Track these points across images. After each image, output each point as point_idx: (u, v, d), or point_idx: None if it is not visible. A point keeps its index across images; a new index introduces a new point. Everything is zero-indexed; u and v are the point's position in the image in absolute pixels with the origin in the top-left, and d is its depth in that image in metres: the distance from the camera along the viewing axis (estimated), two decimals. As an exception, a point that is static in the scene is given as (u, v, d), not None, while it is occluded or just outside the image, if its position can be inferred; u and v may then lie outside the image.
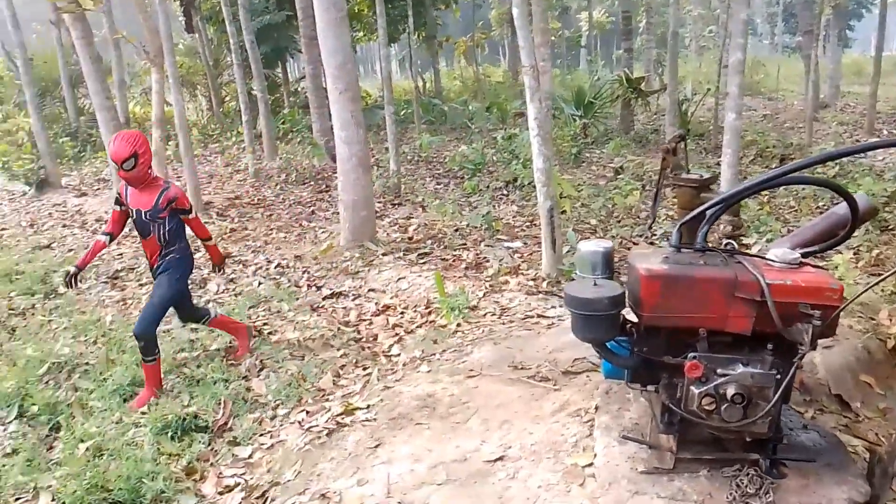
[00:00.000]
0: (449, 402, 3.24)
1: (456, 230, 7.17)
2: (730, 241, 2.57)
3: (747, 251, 2.61)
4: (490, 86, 21.16)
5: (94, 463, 3.43)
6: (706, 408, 2.29)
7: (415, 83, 16.47)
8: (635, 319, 2.43)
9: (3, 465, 3.49)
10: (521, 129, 10.79)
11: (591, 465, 2.58)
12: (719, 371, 2.30)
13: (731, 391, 2.26)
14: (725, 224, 2.92)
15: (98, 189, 11.03)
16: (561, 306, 4.63)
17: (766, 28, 42.77)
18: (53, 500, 3.22)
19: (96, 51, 9.32)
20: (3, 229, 8.98)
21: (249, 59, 12.21)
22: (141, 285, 6.41)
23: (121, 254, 7.41)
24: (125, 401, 4.14)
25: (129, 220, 4.26)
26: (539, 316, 4.44)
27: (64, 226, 8.92)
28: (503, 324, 4.38)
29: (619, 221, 7.26)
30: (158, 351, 4.19)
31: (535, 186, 7.57)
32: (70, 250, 7.70)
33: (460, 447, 2.84)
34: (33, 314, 5.75)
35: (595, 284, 2.37)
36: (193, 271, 4.73)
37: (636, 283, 2.30)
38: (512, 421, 2.98)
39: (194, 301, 4.80)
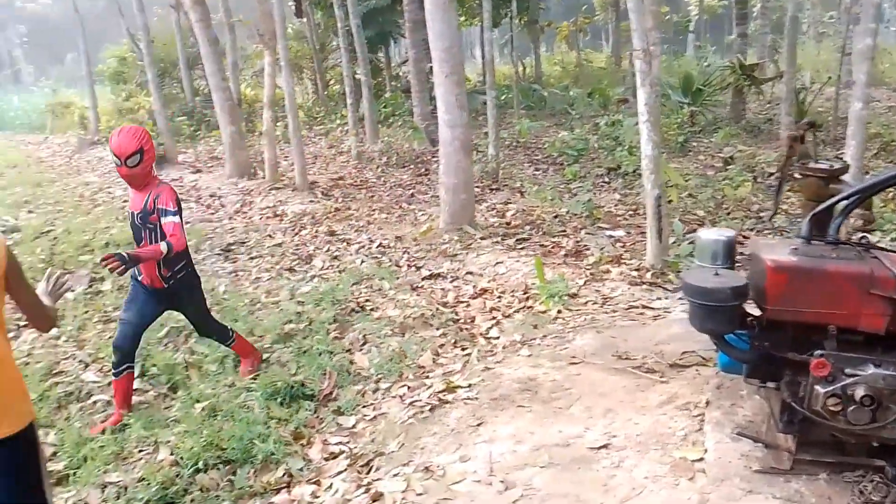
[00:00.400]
0: (551, 387, 3.23)
1: (555, 217, 7.10)
2: (864, 235, 2.42)
3: (882, 246, 2.45)
4: (591, 71, 20.71)
5: (209, 422, 3.65)
6: (831, 409, 2.17)
7: (515, 68, 16.33)
8: (757, 312, 2.34)
9: (128, 419, 3.75)
10: (625, 116, 10.51)
11: (700, 459, 2.51)
12: (847, 371, 2.18)
13: (859, 393, 2.14)
14: (856, 217, 2.75)
15: (212, 166, 11.61)
16: (666, 298, 4.51)
17: (893, 14, 39.64)
18: (172, 454, 3.43)
19: (214, 34, 9.80)
20: (125, 201, 9.62)
21: (355, 43, 12.47)
22: (251, 258, 6.72)
23: (233, 228, 7.79)
24: (236, 366, 4.37)
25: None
26: (644, 307, 4.34)
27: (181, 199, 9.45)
28: (605, 313, 4.31)
29: (728, 213, 6.97)
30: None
31: (638, 174, 7.37)
32: (186, 222, 8.14)
33: (563, 432, 2.83)
34: (154, 281, 6.14)
35: (717, 274, 2.29)
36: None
37: (762, 275, 2.21)
38: (616, 410, 2.94)
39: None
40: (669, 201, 6.37)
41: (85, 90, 16.87)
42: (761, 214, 6.84)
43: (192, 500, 3.05)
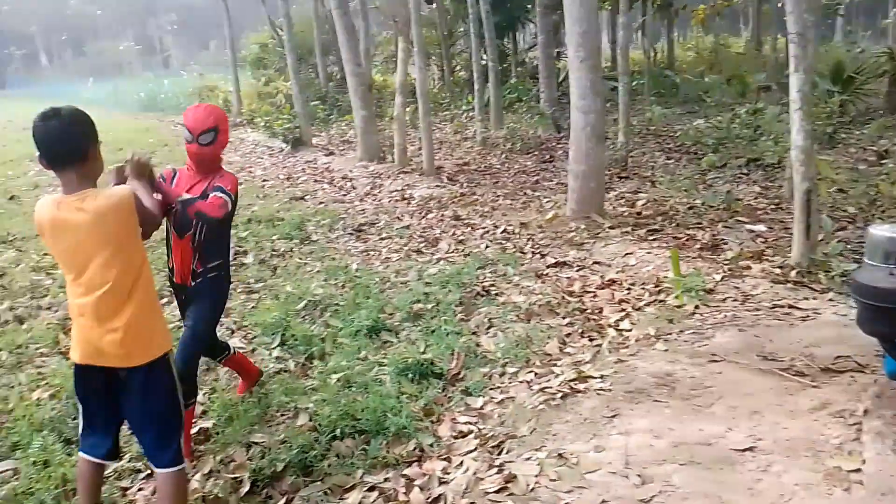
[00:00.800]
0: (690, 384, 3.12)
1: (689, 208, 6.82)
2: None
3: None
4: (729, 57, 19.62)
5: (344, 393, 3.81)
6: None
7: (646, 54, 15.77)
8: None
9: (271, 383, 3.99)
10: (767, 104, 9.90)
11: (857, 470, 2.34)
12: None
13: None
14: None
15: (343, 149, 12.06)
16: (815, 298, 4.23)
17: None
18: (311, 420, 3.62)
19: (351, 21, 10.13)
20: (264, 180, 10.19)
21: (483, 29, 12.50)
22: (381, 239, 6.94)
23: (363, 210, 8.07)
24: (370, 337, 4.53)
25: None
26: (790, 307, 4.08)
27: (315, 181, 9.90)
28: (747, 311, 4.10)
29: (883, 211, 6.42)
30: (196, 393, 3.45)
31: (781, 167, 6.94)
32: (320, 203, 8.54)
33: (704, 431, 2.73)
34: (291, 256, 6.48)
35: (891, 274, 2.12)
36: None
37: (947, 277, 2.02)
38: (762, 412, 2.80)
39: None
40: (818, 196, 5.95)
41: (228, 75, 17.99)
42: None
43: (328, 465, 3.20)
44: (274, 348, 4.56)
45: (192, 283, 3.28)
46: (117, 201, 2.33)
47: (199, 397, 3.97)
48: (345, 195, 8.96)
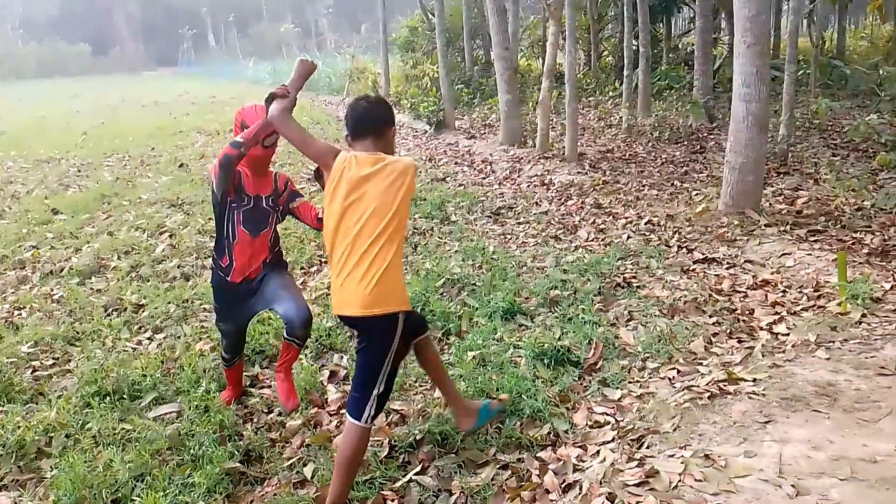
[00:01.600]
0: (854, 396, 2.89)
1: (858, 209, 6.26)
2: None
3: None
4: (911, 47, 17.68)
5: (480, 371, 3.86)
6: None
7: (814, 42, 14.53)
8: None
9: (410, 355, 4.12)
10: (960, 100, 8.85)
11: None
12: None
13: None
14: None
15: (484, 133, 12.14)
16: None
17: None
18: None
19: (503, 3, 10.11)
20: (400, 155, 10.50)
21: (637, 12, 12.06)
22: (518, 223, 6.93)
23: (502, 193, 8.09)
24: (505, 321, 4.55)
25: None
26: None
27: (456, 163, 10.05)
28: (927, 323, 3.72)
29: None
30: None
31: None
32: (460, 185, 8.66)
33: (868, 447, 2.52)
34: (432, 235, 6.63)
35: None
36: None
37: None
38: (940, 435, 2.54)
39: None
40: None
41: (378, 57, 18.58)
42: None
43: (462, 440, 3.26)
44: (412, 322, 4.70)
45: (260, 273, 3.33)
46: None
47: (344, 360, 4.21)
48: (484, 178, 9.02)
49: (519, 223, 6.98)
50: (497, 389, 3.61)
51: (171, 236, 6.86)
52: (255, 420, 3.62)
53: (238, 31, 67.47)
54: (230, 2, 72.19)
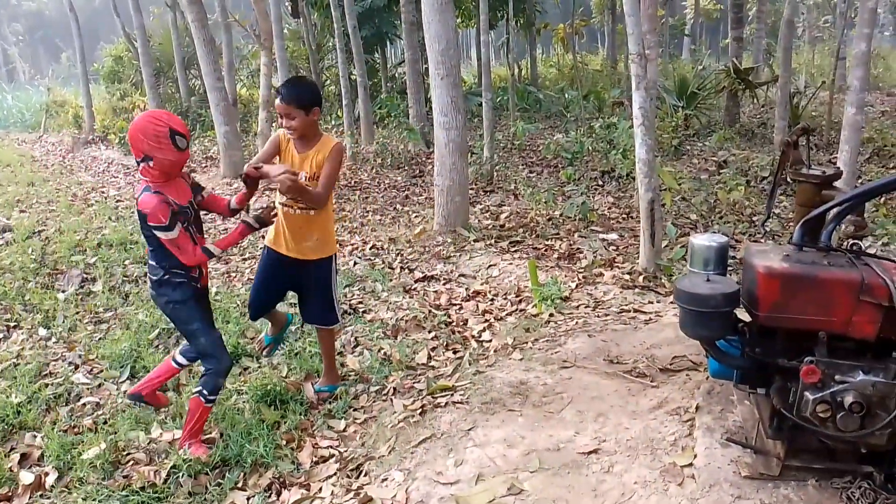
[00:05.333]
0: (542, 391, 3.22)
1: (549, 219, 7.09)
2: (855, 241, 2.42)
3: (874, 253, 2.44)
4: (587, 74, 20.74)
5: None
6: (821, 415, 2.17)
7: (511, 70, 16.34)
8: (748, 318, 2.33)
9: (122, 418, 3.72)
10: (620, 119, 10.53)
11: (690, 465, 2.50)
12: (837, 378, 2.18)
13: (849, 399, 2.14)
14: (848, 224, 2.74)
15: (206, 166, 11.58)
16: (658, 302, 4.51)
17: (888, 19, 39.80)
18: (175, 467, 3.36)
19: (210, 34, 9.76)
20: (118, 201, 9.58)
21: (351, 43, 12.46)
22: (243, 259, 6.70)
23: (226, 229, 7.76)
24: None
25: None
26: (636, 311, 4.33)
27: (174, 200, 9.40)
28: (598, 316, 4.31)
29: (721, 217, 6.98)
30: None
31: (632, 178, 7.38)
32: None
33: (553, 436, 2.83)
34: (145, 282, 6.10)
35: (708, 280, 2.28)
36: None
37: (753, 282, 2.20)
38: (607, 414, 2.93)
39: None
40: (663, 205, 6.38)
41: (80, 89, 16.81)
42: (754, 218, 6.86)
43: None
44: (123, 382, 4.28)
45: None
46: None
47: (38, 440, 3.66)
48: (206, 214, 8.57)
49: (245, 259, 6.74)
50: (225, 444, 3.39)
51: None
52: None
53: None
54: None
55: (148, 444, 3.51)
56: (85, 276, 6.16)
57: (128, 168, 12.04)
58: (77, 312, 5.41)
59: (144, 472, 3.24)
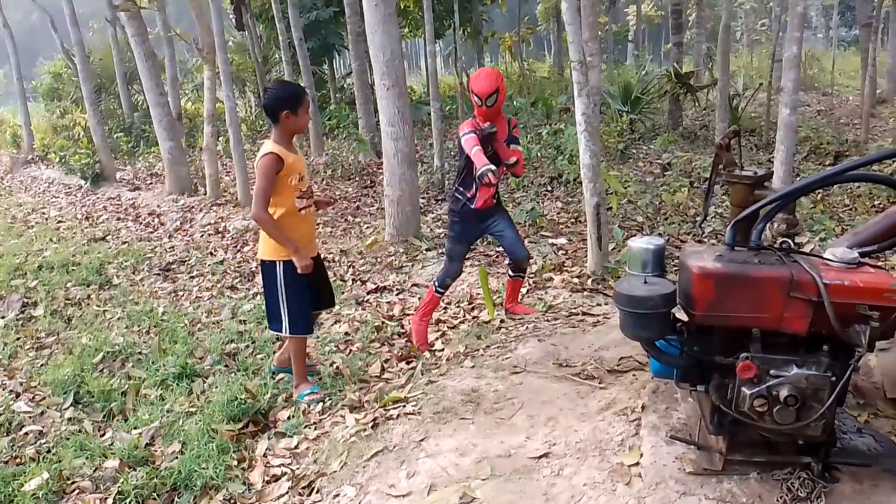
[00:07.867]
0: (493, 398, 3.24)
1: (500, 226, 7.14)
2: (785, 239, 2.50)
3: (803, 250, 2.54)
4: (535, 81, 21.01)
5: (145, 452, 3.53)
6: (758, 409, 2.23)
7: (459, 79, 16.44)
8: (686, 318, 2.39)
9: (66, 446, 3.61)
10: (567, 125, 10.69)
11: (637, 464, 2.54)
12: (772, 372, 2.24)
13: (784, 393, 2.21)
14: (780, 222, 2.84)
15: (151, 183, 11.33)
16: (607, 304, 4.59)
17: (821, 21, 41.50)
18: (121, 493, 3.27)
19: (151, 48, 9.58)
20: (59, 222, 9.32)
21: (297, 55, 12.38)
22: (192, 277, 6.58)
23: (172, 247, 7.61)
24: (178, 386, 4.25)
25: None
26: (584, 313, 4.40)
27: (118, 219, 9.20)
28: (548, 321, 4.36)
29: (666, 219, 7.15)
30: None
31: (580, 183, 7.49)
32: (124, 242, 7.94)
33: (505, 442, 2.84)
34: (88, 304, 5.96)
35: (645, 282, 2.34)
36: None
37: (689, 282, 2.26)
38: (557, 418, 2.96)
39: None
40: (609, 208, 6.50)
41: (17, 107, 16.29)
42: (698, 219, 7.04)
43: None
44: (66, 408, 4.15)
45: (491, 205, 4.38)
46: None
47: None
48: (152, 232, 8.41)
49: (192, 277, 6.63)
50: (178, 470, 3.31)
51: None
52: None
53: None
54: None
55: (94, 471, 3.41)
56: (25, 300, 5.96)
57: (69, 187, 11.72)
58: (18, 338, 5.24)
59: (90, 500, 3.16)
